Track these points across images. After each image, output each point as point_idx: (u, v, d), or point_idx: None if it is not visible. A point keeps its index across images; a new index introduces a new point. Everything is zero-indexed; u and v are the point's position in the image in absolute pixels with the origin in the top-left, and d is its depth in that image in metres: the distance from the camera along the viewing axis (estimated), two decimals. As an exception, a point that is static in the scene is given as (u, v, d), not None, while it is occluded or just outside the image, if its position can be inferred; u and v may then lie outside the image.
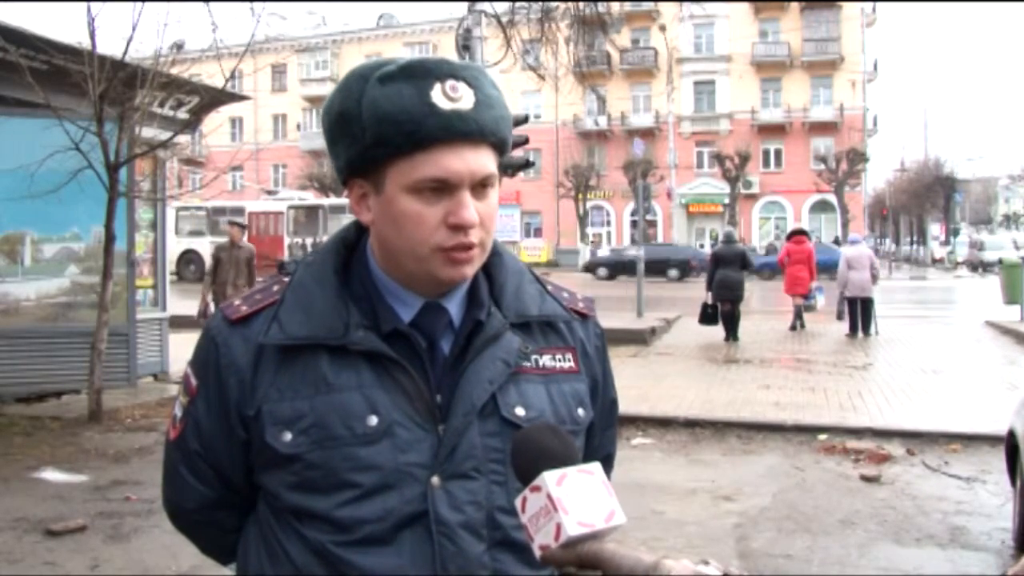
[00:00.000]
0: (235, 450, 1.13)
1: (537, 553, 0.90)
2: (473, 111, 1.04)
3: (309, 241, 28.89)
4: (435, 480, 1.06)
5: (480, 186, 1.07)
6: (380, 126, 1.03)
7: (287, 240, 29.68)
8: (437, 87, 1.03)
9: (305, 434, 1.07)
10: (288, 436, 1.07)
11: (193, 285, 28.41)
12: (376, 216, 1.09)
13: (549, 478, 0.90)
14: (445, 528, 1.06)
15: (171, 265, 31.45)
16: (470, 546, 1.07)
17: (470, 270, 1.10)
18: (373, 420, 1.07)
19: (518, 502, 0.92)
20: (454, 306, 1.14)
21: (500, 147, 1.09)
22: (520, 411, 1.11)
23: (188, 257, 31.27)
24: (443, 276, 1.08)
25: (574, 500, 0.89)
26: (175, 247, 31.06)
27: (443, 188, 1.05)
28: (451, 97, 1.03)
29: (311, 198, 34.60)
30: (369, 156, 1.05)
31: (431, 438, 1.07)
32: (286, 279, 1.16)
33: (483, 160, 1.06)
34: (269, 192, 37.61)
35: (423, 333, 1.12)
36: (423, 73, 1.04)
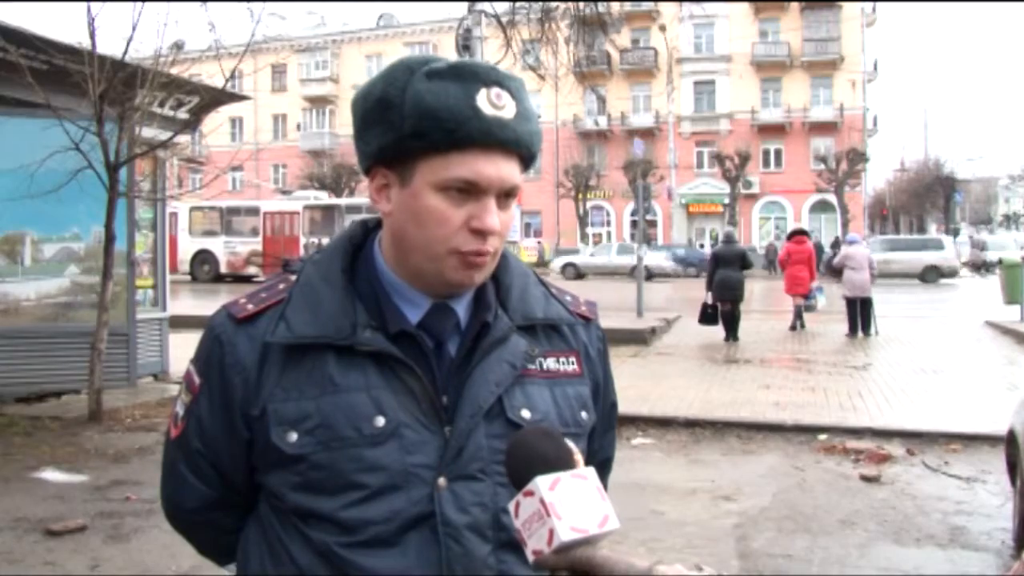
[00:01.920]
0: (237, 449, 1.13)
1: (530, 558, 0.90)
2: (514, 121, 1.05)
3: (325, 241, 28.80)
4: (441, 481, 1.06)
5: (504, 196, 1.08)
6: (421, 119, 1.03)
7: (303, 240, 29.54)
8: (483, 92, 1.04)
9: (311, 434, 1.07)
10: (294, 436, 1.07)
11: (207, 286, 28.22)
12: (396, 208, 1.09)
13: (542, 483, 0.90)
14: (451, 529, 1.06)
15: (184, 265, 31.31)
16: (476, 547, 1.07)
17: (480, 277, 1.10)
18: (380, 421, 1.06)
19: (511, 506, 0.92)
20: (461, 307, 1.14)
21: (528, 161, 1.10)
22: (526, 413, 1.12)
23: (202, 257, 31.02)
24: (454, 279, 1.09)
25: (567, 505, 0.89)
26: (189, 247, 30.89)
27: (471, 191, 1.05)
28: (495, 104, 1.04)
29: (326, 197, 34.43)
30: (403, 147, 1.06)
31: (437, 439, 1.07)
32: (292, 277, 1.15)
33: (513, 170, 1.07)
34: (284, 192, 37.42)
35: (430, 334, 1.12)
36: (471, 76, 1.05)
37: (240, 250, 30.71)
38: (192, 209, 30.65)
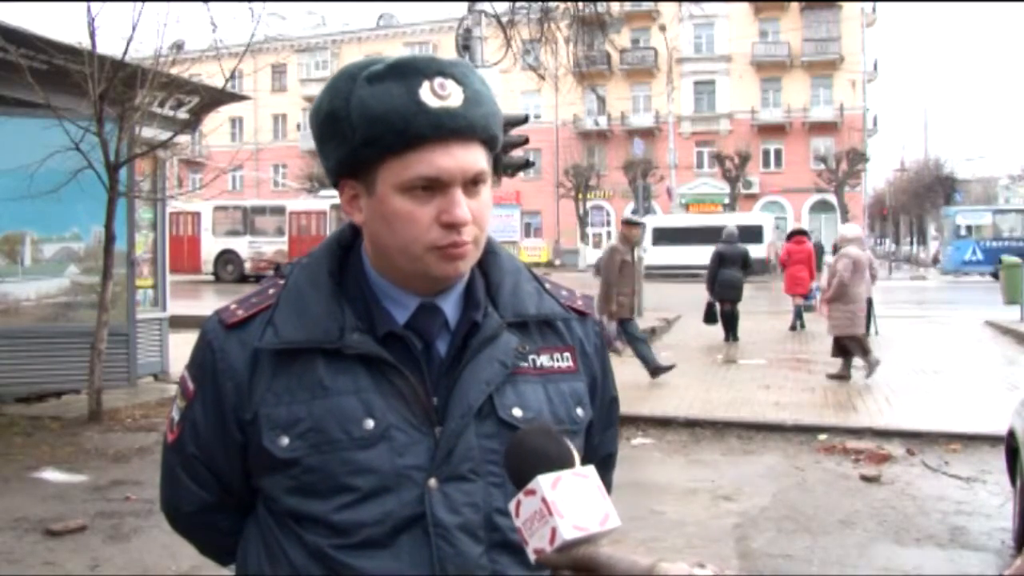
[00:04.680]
0: (232, 454, 1.13)
1: (532, 557, 0.90)
2: (462, 108, 1.04)
3: None
4: (432, 483, 1.06)
5: (472, 183, 1.06)
6: (369, 126, 1.02)
7: None
8: (426, 85, 1.02)
9: (302, 438, 1.07)
10: (285, 440, 1.07)
11: (230, 286, 27.72)
12: (368, 217, 1.09)
13: (544, 481, 0.89)
14: (443, 530, 1.05)
15: (208, 265, 30.71)
16: (468, 548, 1.06)
17: (464, 266, 1.09)
18: (370, 424, 1.06)
19: (512, 505, 0.92)
20: (450, 306, 1.13)
21: (490, 144, 1.08)
22: (517, 412, 1.11)
23: (226, 258, 30.55)
24: (438, 273, 1.08)
25: (569, 503, 0.89)
26: (212, 247, 30.42)
27: (435, 187, 1.04)
28: (439, 95, 1.03)
29: None
30: (359, 157, 1.05)
31: (428, 441, 1.07)
32: (281, 281, 1.15)
33: (473, 157, 1.06)
34: (309, 190, 37.03)
35: (419, 335, 1.11)
36: (411, 71, 1.03)
37: (265, 250, 30.21)
38: (216, 209, 30.22)
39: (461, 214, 1.04)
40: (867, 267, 9.67)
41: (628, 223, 9.77)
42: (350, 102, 1.03)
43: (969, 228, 32.21)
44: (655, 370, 9.27)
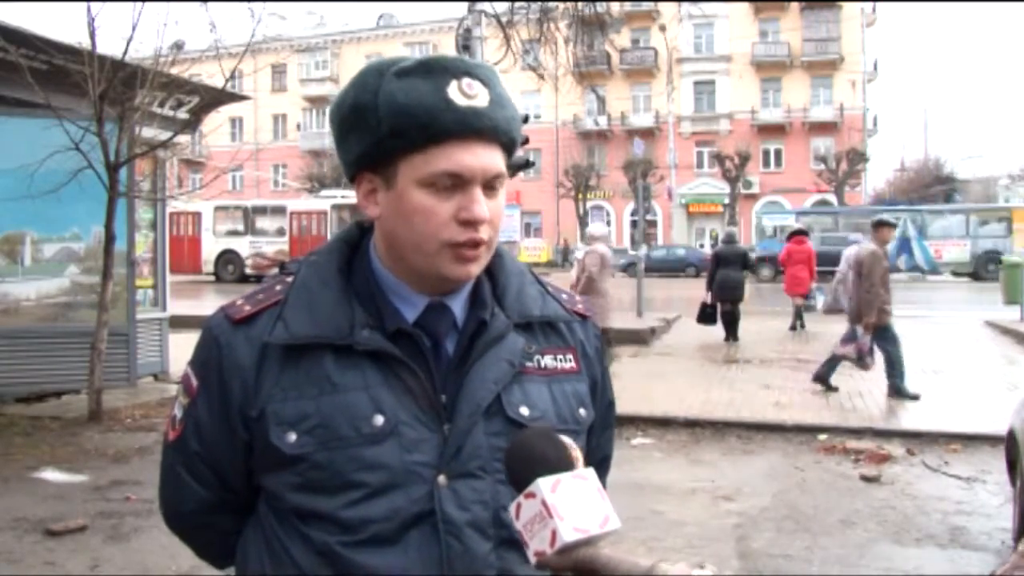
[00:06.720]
0: (236, 452, 1.13)
1: (532, 559, 0.91)
2: (488, 109, 1.06)
3: None
4: (442, 479, 1.06)
5: (490, 185, 1.08)
6: (396, 118, 1.04)
7: None
8: (453, 83, 1.04)
9: (310, 434, 1.07)
10: (293, 437, 1.07)
11: (231, 287, 27.53)
12: (385, 211, 1.10)
13: (543, 484, 0.90)
14: (452, 527, 1.06)
15: (209, 266, 30.59)
16: (476, 545, 1.07)
17: (476, 269, 1.10)
18: (379, 420, 1.07)
19: (512, 508, 0.93)
20: (458, 306, 1.14)
21: (509, 148, 1.10)
22: (524, 411, 1.12)
23: (227, 258, 30.45)
24: (449, 274, 1.09)
25: (569, 506, 0.89)
26: (213, 247, 30.30)
27: (455, 183, 1.05)
28: (467, 94, 1.04)
29: (353, 197, 33.92)
30: (383, 148, 1.06)
31: (437, 438, 1.08)
32: (288, 279, 1.15)
33: (494, 158, 1.07)
34: (309, 190, 36.89)
35: (427, 333, 1.12)
36: (440, 69, 1.05)
37: (266, 250, 30.04)
38: (216, 209, 30.17)
39: (480, 211, 1.06)
40: (611, 264, 9.88)
41: (884, 224, 8.87)
42: (378, 95, 1.05)
43: (775, 229, 33.07)
44: (899, 391, 8.32)
